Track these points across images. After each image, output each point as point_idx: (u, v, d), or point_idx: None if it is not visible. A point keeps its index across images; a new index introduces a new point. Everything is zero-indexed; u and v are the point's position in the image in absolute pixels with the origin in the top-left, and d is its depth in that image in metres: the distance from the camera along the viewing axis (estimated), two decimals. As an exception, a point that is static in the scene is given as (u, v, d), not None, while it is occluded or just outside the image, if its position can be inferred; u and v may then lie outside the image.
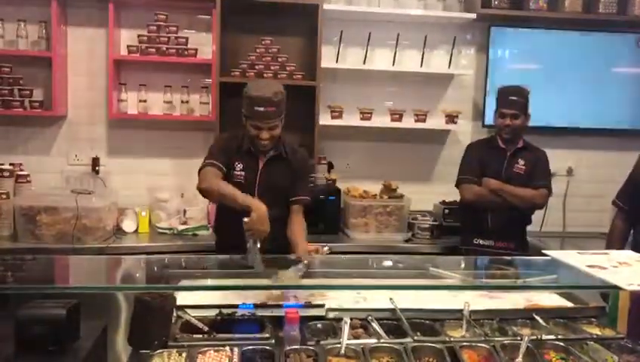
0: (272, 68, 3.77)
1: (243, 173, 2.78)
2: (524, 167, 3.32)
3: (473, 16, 3.93)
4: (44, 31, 3.71)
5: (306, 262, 2.28)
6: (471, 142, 3.65)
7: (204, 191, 2.74)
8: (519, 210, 3.31)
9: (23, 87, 3.68)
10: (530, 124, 4.15)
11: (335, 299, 2.24)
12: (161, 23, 3.76)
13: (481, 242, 3.33)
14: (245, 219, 2.45)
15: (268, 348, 1.87)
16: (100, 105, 3.89)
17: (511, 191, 3.26)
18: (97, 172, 3.91)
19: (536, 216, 4.05)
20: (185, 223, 3.75)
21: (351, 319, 1.98)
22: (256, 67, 3.76)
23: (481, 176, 3.32)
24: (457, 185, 3.43)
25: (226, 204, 2.70)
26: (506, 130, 3.30)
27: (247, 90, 2.72)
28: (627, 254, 2.20)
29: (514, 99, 3.29)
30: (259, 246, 2.42)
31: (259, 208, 2.49)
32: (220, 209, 3.00)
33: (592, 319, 2.22)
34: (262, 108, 2.64)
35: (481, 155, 3.40)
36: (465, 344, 1.95)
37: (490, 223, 3.31)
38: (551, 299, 2.41)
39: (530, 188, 3.29)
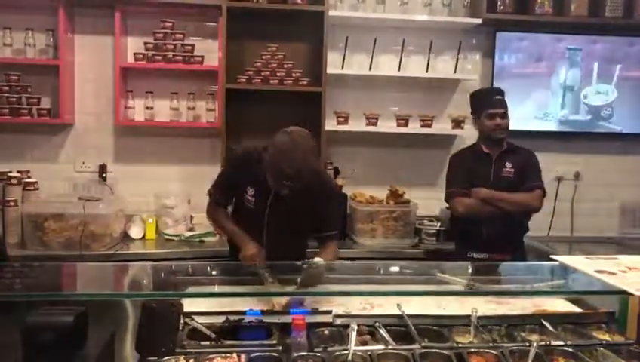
0: (277, 74, 3.78)
1: (254, 198, 2.63)
2: (512, 170, 3.20)
3: (478, 21, 3.93)
4: (51, 39, 3.73)
5: (314, 265, 2.28)
6: (454, 152, 3.53)
7: (212, 224, 2.92)
8: (514, 217, 3.17)
9: (30, 95, 3.70)
10: (538, 128, 4.21)
11: (342, 306, 2.23)
12: (168, 31, 3.78)
13: (474, 255, 3.16)
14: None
15: (275, 354, 1.86)
16: (107, 112, 3.91)
17: (503, 197, 3.13)
18: (104, 179, 3.92)
19: (543, 221, 4.07)
20: (192, 229, 3.76)
21: (358, 325, 1.97)
22: (262, 74, 3.77)
23: (470, 187, 3.18)
24: (447, 200, 3.31)
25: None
26: (498, 130, 3.17)
27: (275, 160, 2.38)
28: (636, 259, 2.19)
29: (499, 98, 3.22)
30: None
31: (245, 249, 2.54)
32: (232, 215, 2.96)
33: (602, 324, 2.19)
34: (288, 183, 2.38)
35: (466, 164, 3.28)
36: (473, 350, 1.93)
37: (485, 235, 3.16)
38: (559, 305, 2.39)
39: (522, 192, 3.16)
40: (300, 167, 2.34)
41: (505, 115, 3.19)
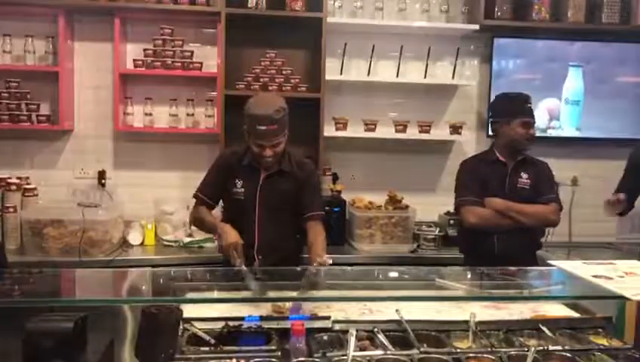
0: (276, 80, 3.80)
1: (242, 189, 2.76)
2: (528, 181, 3.03)
3: (476, 27, 3.95)
4: (51, 46, 3.75)
5: (308, 274, 2.30)
6: (464, 159, 3.29)
7: (194, 224, 2.98)
8: (529, 230, 3.00)
9: (30, 102, 3.71)
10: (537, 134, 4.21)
11: (341, 311, 2.24)
12: (167, 37, 3.79)
13: (485, 271, 2.86)
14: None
15: (274, 360, 1.86)
16: (107, 118, 3.92)
17: (520, 209, 2.95)
18: (103, 185, 3.93)
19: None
20: (190, 235, 3.76)
21: (357, 331, 1.97)
22: (261, 80, 3.79)
23: (482, 196, 3.02)
24: (457, 209, 3.11)
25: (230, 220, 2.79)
26: (529, 140, 3.01)
27: (248, 108, 2.67)
28: (633, 264, 2.20)
29: (530, 106, 3.06)
30: (242, 262, 2.54)
31: (221, 227, 2.65)
32: (223, 213, 3.01)
33: (599, 329, 2.20)
34: (263, 127, 2.58)
35: (479, 173, 3.09)
36: (471, 355, 1.94)
37: (497, 249, 2.97)
38: (557, 310, 2.40)
39: (539, 204, 2.99)
40: (270, 106, 2.61)
41: (533, 125, 3.05)
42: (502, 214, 2.96)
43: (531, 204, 2.99)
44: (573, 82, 4.23)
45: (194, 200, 2.90)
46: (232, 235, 2.57)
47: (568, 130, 4.27)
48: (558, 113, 4.24)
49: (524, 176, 3.04)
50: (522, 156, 3.08)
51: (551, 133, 4.25)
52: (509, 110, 3.07)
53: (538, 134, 4.11)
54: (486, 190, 3.03)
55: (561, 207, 3.09)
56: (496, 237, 2.99)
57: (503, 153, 3.09)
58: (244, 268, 2.49)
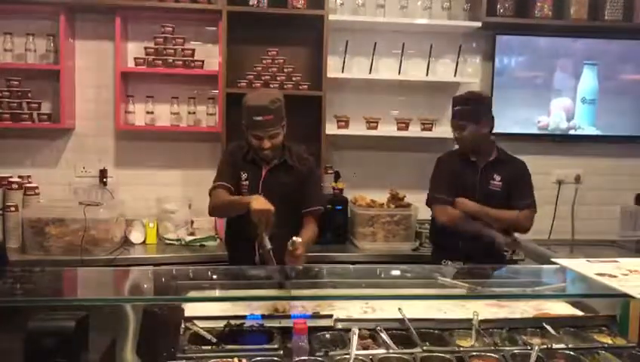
0: (278, 78, 3.79)
1: (247, 182, 2.81)
2: (500, 183, 2.95)
3: (478, 24, 3.93)
4: (52, 44, 3.74)
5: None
6: (442, 154, 3.21)
7: (214, 212, 2.85)
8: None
9: (31, 100, 3.70)
10: (538, 131, 4.21)
11: (343, 310, 2.23)
12: (168, 35, 3.79)
13: (449, 263, 2.92)
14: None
15: (276, 359, 1.86)
16: (108, 117, 3.91)
17: (494, 215, 2.90)
18: (105, 183, 3.93)
19: (544, 224, 4.07)
20: (192, 234, 3.76)
21: (359, 329, 1.96)
22: (263, 78, 3.78)
23: (456, 194, 2.96)
24: (429, 205, 3.08)
25: (238, 214, 2.73)
26: (458, 143, 3.03)
27: (245, 101, 2.75)
28: (637, 262, 2.18)
29: (459, 108, 2.96)
30: (268, 239, 2.44)
31: (256, 197, 2.54)
32: (229, 221, 3.00)
33: (603, 328, 2.19)
34: (260, 118, 2.66)
35: (453, 170, 3.03)
36: (474, 353, 1.93)
37: (460, 246, 2.94)
38: (560, 308, 2.40)
39: (512, 209, 2.94)
40: (265, 97, 2.70)
41: (462, 128, 2.94)
42: (472, 217, 2.92)
43: (504, 206, 2.94)
44: (589, 81, 4.21)
45: (209, 197, 2.82)
46: (262, 201, 2.49)
47: (588, 130, 4.24)
48: (573, 112, 4.22)
49: (497, 178, 2.98)
50: (495, 156, 3.01)
51: (572, 132, 4.23)
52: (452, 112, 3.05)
53: (559, 133, 4.16)
54: (458, 188, 2.98)
55: (536, 211, 3.02)
56: (462, 236, 2.93)
57: (471, 153, 3.04)
58: (267, 244, 2.42)
